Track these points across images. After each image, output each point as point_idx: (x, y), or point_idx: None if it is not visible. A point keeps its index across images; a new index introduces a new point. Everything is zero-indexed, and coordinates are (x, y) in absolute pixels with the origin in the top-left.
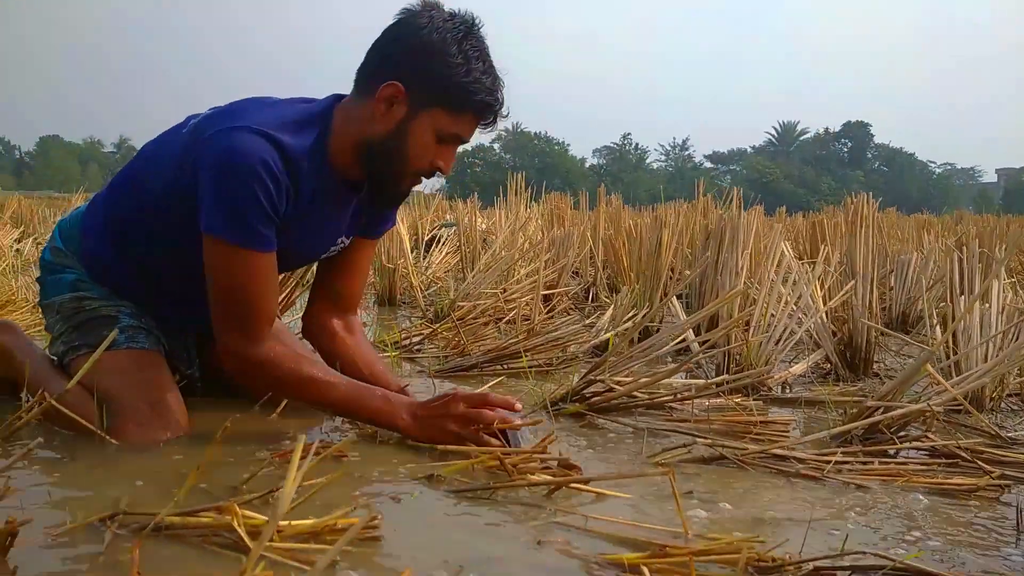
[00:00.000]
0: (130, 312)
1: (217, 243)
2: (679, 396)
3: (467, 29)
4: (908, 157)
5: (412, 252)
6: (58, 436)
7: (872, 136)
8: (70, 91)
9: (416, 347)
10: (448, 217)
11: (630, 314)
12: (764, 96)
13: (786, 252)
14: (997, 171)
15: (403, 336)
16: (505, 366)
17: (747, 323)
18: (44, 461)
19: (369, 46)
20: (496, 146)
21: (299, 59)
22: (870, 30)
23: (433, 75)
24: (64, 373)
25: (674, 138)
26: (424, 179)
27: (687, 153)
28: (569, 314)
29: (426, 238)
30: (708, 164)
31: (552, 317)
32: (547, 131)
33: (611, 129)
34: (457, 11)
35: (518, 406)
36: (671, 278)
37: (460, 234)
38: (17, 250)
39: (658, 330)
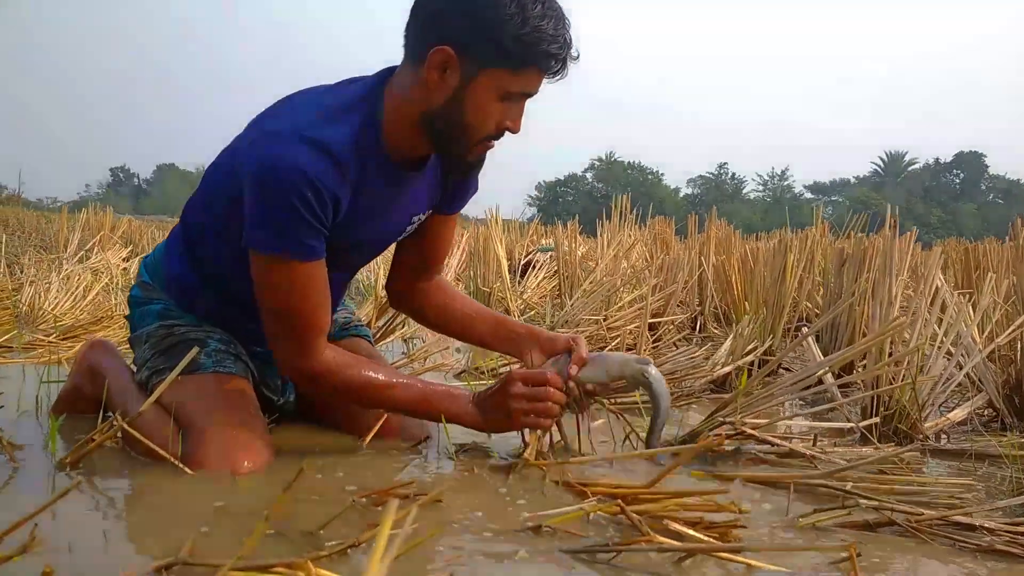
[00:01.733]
0: (220, 338)
1: (261, 258)
2: (823, 447)
3: None
4: None
5: (508, 276)
6: (134, 463)
7: (987, 167)
8: (187, 118)
9: None
10: (543, 242)
11: (750, 346)
12: (870, 124)
13: (941, 282)
14: None
15: (501, 363)
16: (614, 400)
17: (896, 362)
18: (107, 493)
19: (412, 4)
20: (588, 175)
21: None
22: (985, 61)
23: (485, 32)
24: (147, 395)
25: (772, 167)
26: (495, 142)
27: (786, 183)
28: (676, 346)
29: (522, 262)
30: (808, 194)
31: (658, 347)
32: (640, 160)
33: (706, 158)
34: None
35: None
36: (796, 308)
37: (559, 258)
38: (124, 268)
39: (781, 364)
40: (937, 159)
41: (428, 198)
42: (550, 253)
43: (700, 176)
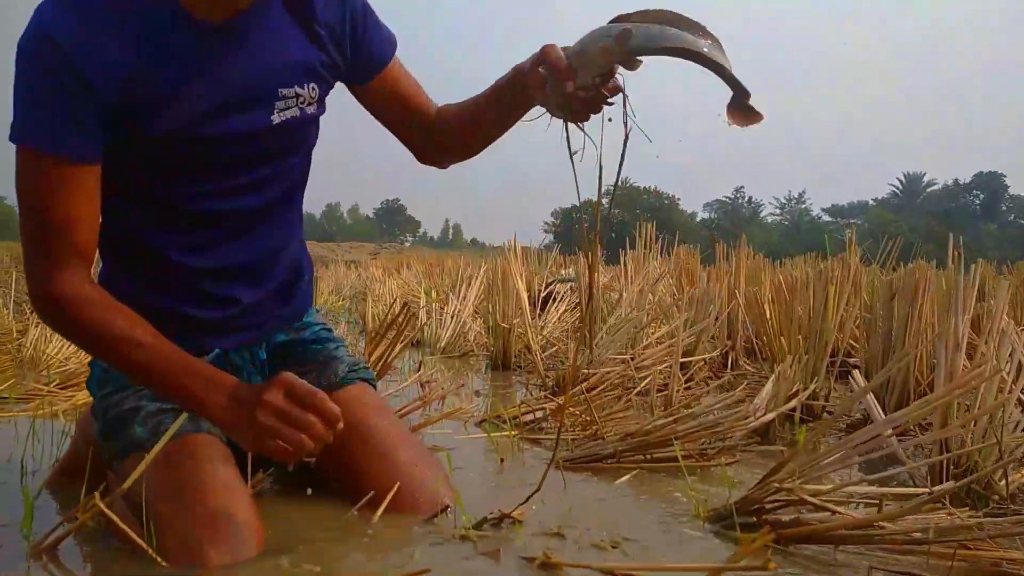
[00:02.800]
0: (151, 395)
1: (17, 153)
2: (891, 513)
3: None
4: None
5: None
6: (118, 551)
7: (1007, 187)
8: None
9: (538, 425)
10: (563, 272)
11: (793, 390)
12: (888, 146)
13: (1007, 321)
14: None
15: (523, 409)
16: (649, 456)
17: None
18: None
19: None
20: (604, 201)
21: None
22: (1004, 82)
23: None
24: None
25: (790, 191)
26: None
27: (804, 206)
28: (707, 384)
29: (541, 295)
30: (827, 217)
31: (691, 388)
32: (656, 185)
33: (722, 182)
34: None
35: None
36: (837, 344)
37: (580, 291)
38: None
39: (825, 409)
40: (956, 180)
41: (295, 64)
42: (571, 284)
43: (716, 200)
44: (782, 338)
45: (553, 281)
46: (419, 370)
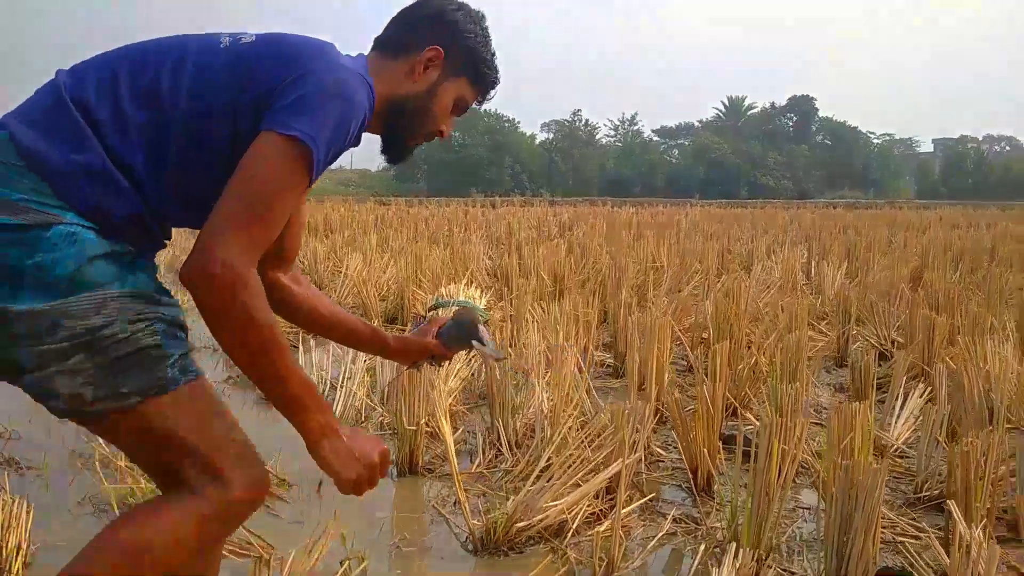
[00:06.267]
0: (170, 314)
1: (283, 141)
2: None
3: (483, 16)
4: (851, 130)
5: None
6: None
7: (817, 110)
8: None
9: None
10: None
11: None
12: (713, 70)
13: None
14: (933, 141)
15: None
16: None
17: None
18: None
19: (396, 16)
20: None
21: None
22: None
23: (466, 48)
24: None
25: (623, 113)
26: (425, 141)
27: (636, 128)
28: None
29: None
30: (656, 138)
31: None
32: (496, 108)
33: (560, 104)
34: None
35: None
36: None
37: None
38: None
39: None
40: (773, 103)
41: None
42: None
43: (554, 121)
44: None
45: (429, 305)
46: None
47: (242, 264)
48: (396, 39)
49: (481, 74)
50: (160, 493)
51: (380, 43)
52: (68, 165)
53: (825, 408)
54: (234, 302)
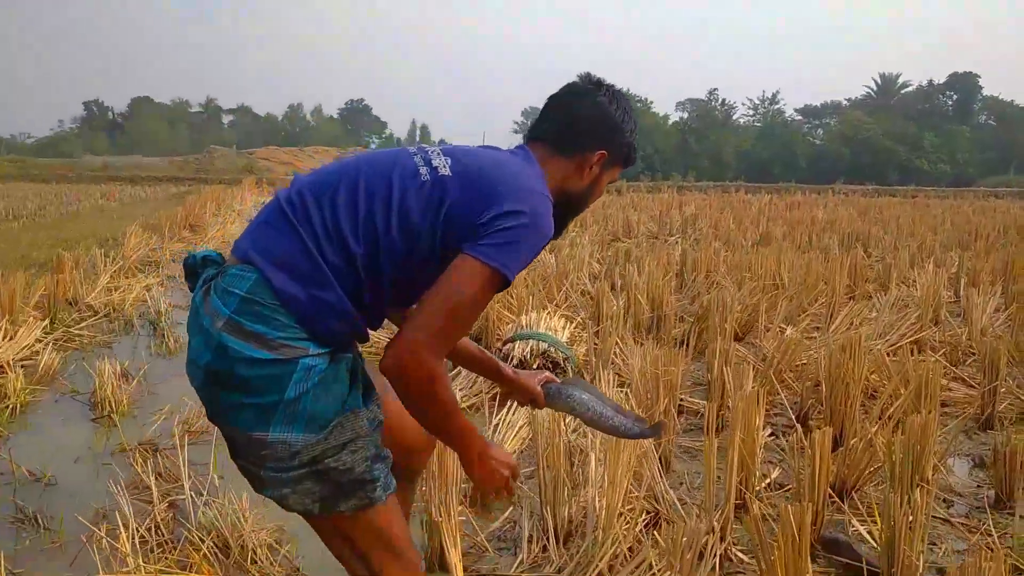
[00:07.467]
0: (375, 449)
1: (483, 268)
2: None
3: (627, 98)
4: (1020, 110)
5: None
6: None
7: (981, 88)
8: (160, 53)
9: None
10: (524, 322)
11: None
12: (863, 45)
13: None
14: None
15: None
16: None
17: None
18: None
19: (558, 109)
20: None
21: None
22: None
23: (622, 144)
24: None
25: (763, 91)
26: None
27: (777, 107)
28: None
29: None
30: (799, 118)
31: None
32: (629, 88)
33: (695, 84)
34: (610, 84)
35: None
36: None
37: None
38: None
39: None
40: (931, 80)
41: None
42: (562, 350)
43: (688, 99)
44: None
45: (507, 338)
46: None
47: (436, 363)
48: (564, 139)
49: (631, 159)
50: None
51: (545, 136)
52: (314, 305)
53: (957, 500)
54: (424, 391)
